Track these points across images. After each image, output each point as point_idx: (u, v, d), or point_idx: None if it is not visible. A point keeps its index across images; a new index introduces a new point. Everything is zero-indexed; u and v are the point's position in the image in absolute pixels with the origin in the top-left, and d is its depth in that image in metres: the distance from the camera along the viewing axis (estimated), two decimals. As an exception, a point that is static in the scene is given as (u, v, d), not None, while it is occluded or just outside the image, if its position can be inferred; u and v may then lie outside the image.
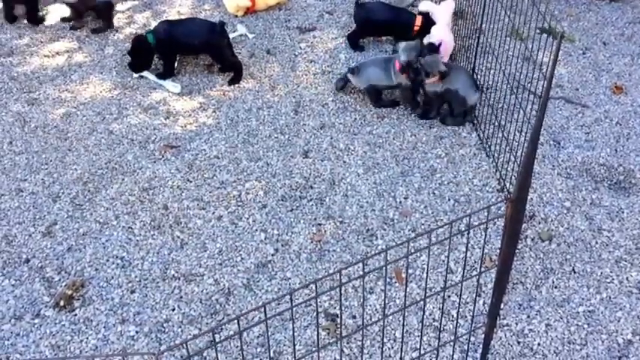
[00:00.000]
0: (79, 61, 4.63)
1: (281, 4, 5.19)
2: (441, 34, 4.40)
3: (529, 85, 3.76)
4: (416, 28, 4.53)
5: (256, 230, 3.39)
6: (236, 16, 5.07)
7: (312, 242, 3.32)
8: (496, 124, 3.79)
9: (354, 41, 4.68)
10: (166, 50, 4.42)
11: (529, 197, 3.29)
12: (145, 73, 4.47)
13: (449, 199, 3.54)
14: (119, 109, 4.19)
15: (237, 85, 4.39)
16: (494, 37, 4.33)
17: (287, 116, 4.14)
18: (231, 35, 4.82)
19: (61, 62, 4.63)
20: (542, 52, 3.84)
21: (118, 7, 5.23)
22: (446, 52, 4.50)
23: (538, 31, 4.23)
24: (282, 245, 3.31)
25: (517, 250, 3.17)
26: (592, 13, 5.06)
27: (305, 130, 4.03)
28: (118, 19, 5.08)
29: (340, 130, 4.03)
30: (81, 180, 3.69)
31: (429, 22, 4.49)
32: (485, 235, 2.32)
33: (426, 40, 4.42)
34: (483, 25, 3.98)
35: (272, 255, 3.26)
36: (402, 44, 3.99)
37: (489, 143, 3.81)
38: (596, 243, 3.31)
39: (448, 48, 4.45)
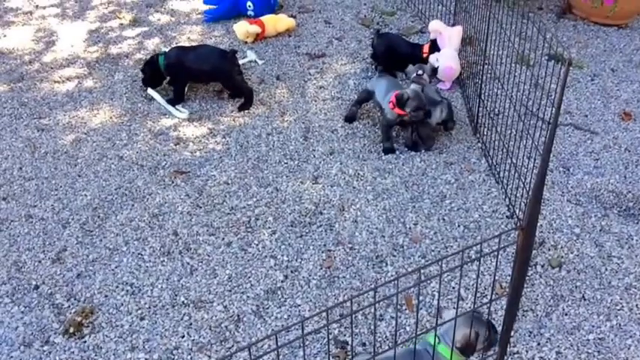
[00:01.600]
0: (89, 87, 4.67)
1: (290, 31, 5.24)
2: (449, 60, 4.44)
3: (537, 111, 3.77)
4: (424, 55, 4.59)
5: (266, 256, 3.39)
6: (246, 42, 5.13)
7: (321, 268, 3.31)
8: (505, 150, 3.79)
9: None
10: (176, 75, 4.46)
11: (539, 224, 3.29)
12: (155, 96, 4.51)
13: (459, 225, 3.53)
14: (129, 135, 4.22)
15: (246, 111, 4.42)
16: (502, 63, 4.36)
17: (296, 142, 4.16)
18: (241, 61, 4.86)
19: (71, 88, 4.67)
20: (550, 78, 3.85)
21: (128, 32, 5.30)
22: (452, 78, 4.55)
23: (546, 57, 4.26)
24: (292, 272, 3.30)
25: (527, 277, 3.15)
26: (600, 39, 5.09)
27: (314, 156, 4.05)
28: (128, 45, 5.14)
29: (349, 155, 4.04)
30: (91, 206, 3.70)
31: (435, 47, 4.56)
32: (497, 262, 2.31)
33: (432, 60, 4.47)
34: (491, 52, 4.00)
35: (282, 281, 3.25)
36: (412, 86, 3.99)
37: (498, 169, 3.81)
38: (606, 270, 3.29)
39: (454, 74, 4.49)
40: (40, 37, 5.27)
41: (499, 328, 2.62)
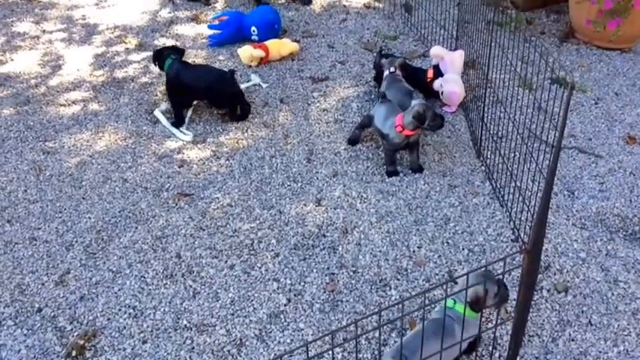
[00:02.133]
0: (95, 110, 4.70)
1: (294, 55, 5.28)
2: (453, 85, 4.46)
3: (541, 134, 3.77)
4: (429, 79, 4.62)
5: (269, 279, 3.37)
6: (250, 66, 5.16)
7: (325, 292, 3.29)
8: (509, 173, 3.78)
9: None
10: (173, 90, 4.48)
11: (544, 248, 3.27)
12: (160, 118, 4.54)
13: (463, 249, 3.51)
14: (133, 158, 4.23)
15: (250, 134, 4.43)
16: (505, 87, 4.38)
17: (300, 164, 4.16)
18: (245, 85, 4.91)
19: (76, 111, 4.70)
20: (553, 102, 3.86)
21: (134, 57, 5.35)
22: (457, 102, 4.56)
23: (549, 81, 4.27)
24: (295, 295, 3.28)
25: (533, 302, 3.12)
26: (603, 63, 5.11)
27: (318, 178, 4.05)
28: (133, 69, 5.18)
29: (353, 178, 4.04)
30: (94, 228, 3.70)
31: (438, 72, 4.60)
32: (502, 287, 2.30)
33: (437, 85, 4.49)
34: (493, 76, 4.02)
35: (284, 305, 3.23)
36: (416, 102, 3.97)
37: (503, 193, 3.80)
38: (612, 295, 3.25)
39: (459, 98, 4.50)
40: (46, 61, 5.33)
41: (505, 354, 2.59)
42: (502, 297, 2.76)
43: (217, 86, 4.38)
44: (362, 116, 4.36)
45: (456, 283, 2.79)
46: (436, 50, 4.66)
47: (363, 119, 4.28)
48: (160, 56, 4.55)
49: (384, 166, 4.08)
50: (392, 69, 4.50)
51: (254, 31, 5.41)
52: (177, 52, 4.59)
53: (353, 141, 4.29)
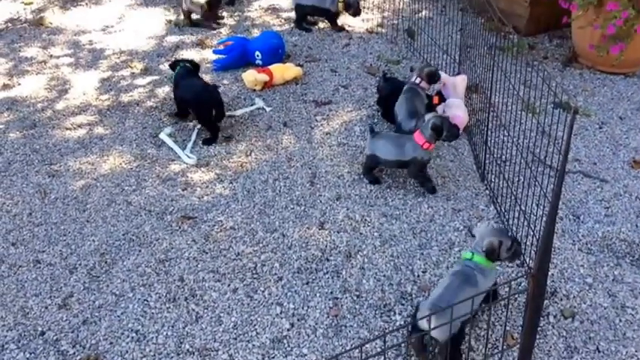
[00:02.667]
0: (100, 134, 4.73)
1: (298, 79, 5.32)
2: (457, 109, 4.47)
3: (545, 158, 3.77)
4: (434, 103, 4.63)
5: (272, 304, 3.34)
6: (254, 90, 5.20)
7: (328, 317, 3.26)
8: (513, 197, 3.77)
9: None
10: (174, 95, 4.88)
11: (550, 273, 3.25)
12: (166, 140, 4.57)
13: (467, 274, 3.48)
14: (138, 181, 4.24)
15: (254, 157, 4.44)
16: (508, 111, 4.39)
17: (303, 187, 4.16)
18: (249, 108, 4.94)
19: (82, 135, 4.73)
20: (557, 126, 3.86)
21: (139, 81, 5.39)
22: (461, 126, 4.57)
23: (552, 105, 4.28)
24: (298, 320, 3.25)
25: (539, 328, 3.08)
26: (607, 88, 5.12)
27: (321, 202, 4.04)
28: (139, 93, 5.22)
29: (356, 201, 4.03)
30: (98, 251, 3.69)
31: (442, 97, 4.62)
32: (507, 311, 2.27)
33: (440, 111, 4.51)
34: (496, 100, 4.03)
35: (288, 330, 3.20)
36: (430, 116, 4.00)
37: (507, 217, 3.79)
38: (620, 321, 3.22)
39: (463, 122, 4.51)
40: (53, 85, 5.37)
41: None
42: (515, 252, 3.03)
43: (202, 95, 4.58)
44: (366, 159, 4.19)
45: (474, 237, 3.07)
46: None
47: (367, 162, 4.15)
48: (174, 64, 4.94)
49: (421, 188, 4.07)
50: (417, 79, 4.45)
51: (258, 56, 5.45)
52: (192, 64, 4.90)
53: (376, 180, 4.18)
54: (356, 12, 5.99)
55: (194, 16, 6.22)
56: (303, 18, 6.19)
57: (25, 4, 6.66)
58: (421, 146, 3.92)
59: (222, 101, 4.65)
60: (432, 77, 4.49)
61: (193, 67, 4.89)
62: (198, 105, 4.61)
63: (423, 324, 2.73)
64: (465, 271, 2.94)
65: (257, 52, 5.45)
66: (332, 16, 6.05)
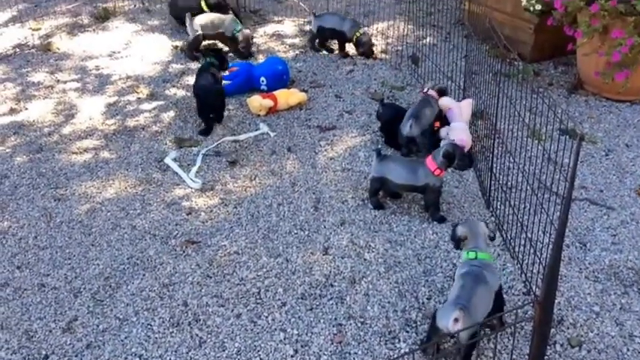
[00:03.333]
0: (106, 158, 4.75)
1: (302, 104, 5.35)
2: (460, 133, 4.48)
3: (551, 185, 3.76)
4: (436, 127, 4.65)
5: (275, 329, 3.32)
6: (259, 115, 5.22)
7: (332, 343, 3.23)
8: (519, 224, 3.75)
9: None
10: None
11: (557, 301, 3.21)
12: (171, 164, 4.58)
13: (473, 301, 3.45)
14: (143, 205, 4.25)
15: (258, 182, 4.45)
16: (514, 137, 4.39)
17: (307, 212, 4.16)
18: (253, 133, 4.97)
19: (88, 159, 4.75)
20: (563, 153, 3.86)
21: (145, 106, 5.43)
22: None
23: (558, 132, 4.28)
24: (302, 346, 3.22)
25: (547, 357, 3.04)
26: (613, 115, 5.13)
27: (325, 227, 4.03)
28: (145, 118, 5.25)
29: (360, 226, 4.02)
30: (102, 275, 3.68)
31: (444, 121, 4.64)
32: (514, 339, 2.24)
33: (443, 134, 4.52)
34: (502, 126, 4.03)
35: (291, 356, 3.17)
36: (444, 142, 4.07)
37: (513, 244, 3.77)
38: (628, 350, 3.18)
39: (466, 146, 4.52)
40: (60, 110, 5.41)
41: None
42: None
43: (205, 95, 5.00)
44: (370, 183, 4.17)
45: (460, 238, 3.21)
46: (444, 101, 4.71)
47: (373, 185, 4.13)
48: (205, 53, 5.40)
49: (431, 217, 4.06)
50: (429, 91, 4.64)
51: (263, 81, 5.49)
52: (218, 59, 5.27)
53: (380, 205, 4.17)
54: (365, 52, 6.04)
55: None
56: (324, 40, 6.25)
57: (33, 29, 6.74)
58: (433, 172, 3.93)
59: (222, 105, 5.09)
60: (442, 92, 4.77)
61: (218, 60, 5.25)
62: (199, 101, 5.03)
63: (445, 325, 2.82)
64: (474, 271, 3.02)
65: (262, 78, 5.50)
66: (345, 41, 6.12)
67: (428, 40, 6.28)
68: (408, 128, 4.47)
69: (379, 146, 4.76)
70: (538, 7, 5.19)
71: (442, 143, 4.05)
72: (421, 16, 6.37)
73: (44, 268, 3.75)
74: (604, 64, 4.97)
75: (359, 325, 3.33)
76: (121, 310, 3.44)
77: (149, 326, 3.34)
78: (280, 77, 5.54)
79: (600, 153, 4.67)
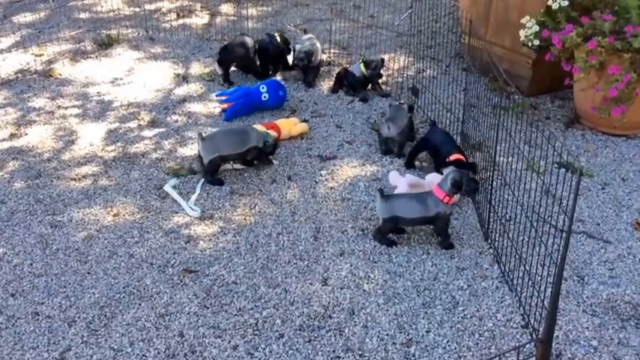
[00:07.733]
0: (104, 185, 4.75)
1: (303, 134, 5.37)
2: (404, 181, 4.51)
3: (550, 218, 3.76)
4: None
5: (273, 361, 3.29)
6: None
7: (330, 376, 3.20)
8: (517, 257, 3.75)
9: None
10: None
11: (555, 335, 3.20)
12: (170, 192, 4.58)
13: (473, 334, 3.43)
14: (141, 233, 4.23)
15: (258, 210, 4.45)
16: (512, 170, 4.41)
17: (306, 242, 4.15)
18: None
19: (86, 185, 4.75)
20: (561, 186, 3.88)
21: (146, 133, 5.44)
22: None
23: (556, 165, 4.31)
24: (300, 379, 3.19)
25: (545, 392, 3.02)
26: (609, 149, 5.16)
27: (324, 257, 4.02)
28: (145, 145, 5.26)
29: (360, 257, 4.01)
30: (98, 304, 3.65)
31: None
32: (514, 376, 2.23)
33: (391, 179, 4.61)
34: (500, 159, 4.06)
35: (288, 389, 3.14)
36: (449, 170, 4.16)
37: (512, 277, 3.76)
38: (628, 385, 3.16)
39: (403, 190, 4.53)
40: (60, 135, 5.42)
41: None
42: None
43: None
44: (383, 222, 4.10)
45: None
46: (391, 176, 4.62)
47: (386, 226, 4.07)
48: (270, 33, 6.29)
49: (440, 245, 4.09)
50: (400, 102, 5.18)
51: (263, 89, 5.66)
52: (282, 40, 6.20)
53: (393, 242, 4.12)
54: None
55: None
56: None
57: (36, 55, 6.79)
58: (442, 200, 3.95)
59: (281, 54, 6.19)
60: (411, 108, 5.30)
61: (283, 41, 6.22)
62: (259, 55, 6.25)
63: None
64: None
65: (262, 86, 5.69)
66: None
67: (428, 72, 6.34)
68: (386, 130, 4.97)
69: (379, 176, 4.78)
70: (536, 42, 5.25)
71: (445, 172, 4.20)
72: (421, 49, 6.44)
73: (39, 296, 3.72)
74: (600, 99, 5.02)
75: (357, 357, 3.30)
76: (116, 341, 3.41)
77: (144, 357, 3.31)
78: (279, 87, 5.78)
79: (597, 186, 4.69)
